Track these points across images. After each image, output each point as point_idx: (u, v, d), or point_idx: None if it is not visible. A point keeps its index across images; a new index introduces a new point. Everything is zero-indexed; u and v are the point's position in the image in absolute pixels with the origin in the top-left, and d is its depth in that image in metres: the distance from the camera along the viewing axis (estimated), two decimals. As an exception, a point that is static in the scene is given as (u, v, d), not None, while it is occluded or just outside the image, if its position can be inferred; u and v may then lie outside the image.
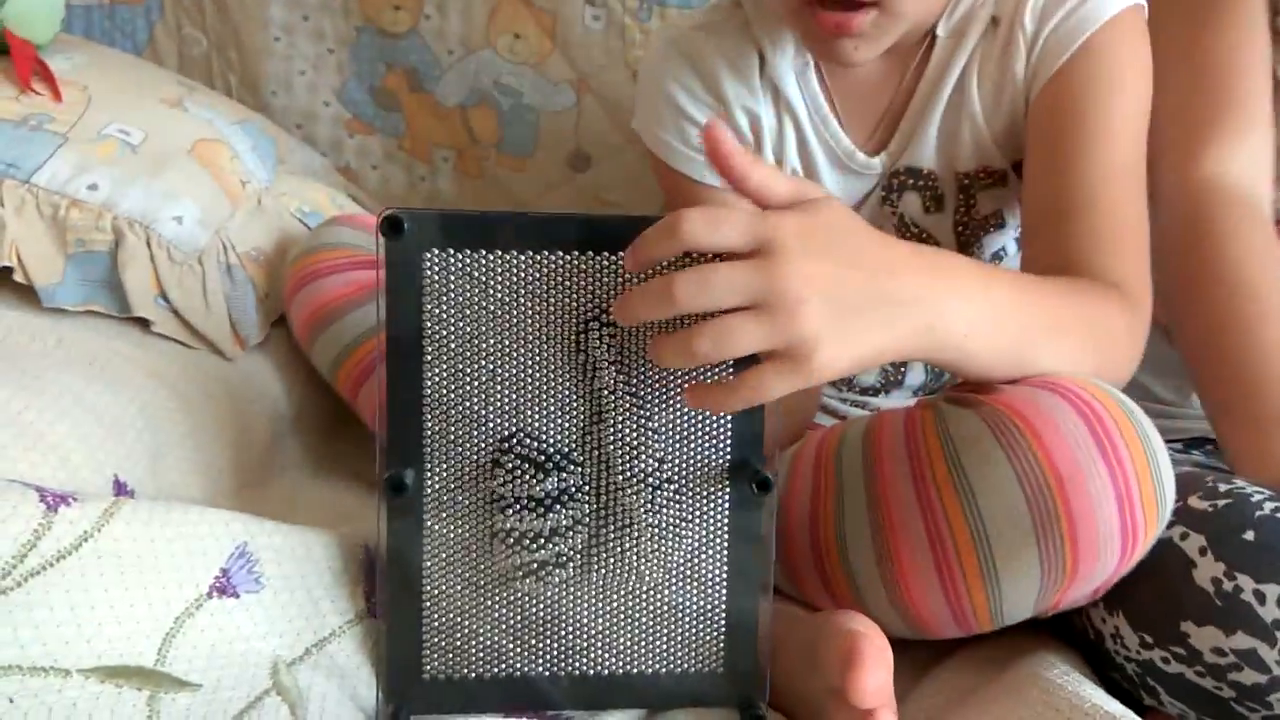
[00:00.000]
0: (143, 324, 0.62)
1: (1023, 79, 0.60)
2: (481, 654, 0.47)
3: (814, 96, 0.63)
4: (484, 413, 0.45)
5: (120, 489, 0.49)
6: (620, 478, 0.46)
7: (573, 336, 0.45)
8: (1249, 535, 0.47)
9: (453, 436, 0.45)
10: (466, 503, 0.46)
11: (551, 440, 0.45)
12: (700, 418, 0.46)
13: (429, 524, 0.46)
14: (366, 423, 0.63)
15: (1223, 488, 0.50)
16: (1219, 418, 0.59)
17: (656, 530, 0.46)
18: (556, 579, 0.47)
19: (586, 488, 0.46)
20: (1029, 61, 0.60)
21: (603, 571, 0.47)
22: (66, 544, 0.41)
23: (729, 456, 0.46)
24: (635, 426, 0.45)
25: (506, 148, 0.96)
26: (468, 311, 0.44)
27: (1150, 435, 0.46)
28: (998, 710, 0.49)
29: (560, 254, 0.43)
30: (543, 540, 0.46)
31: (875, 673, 0.44)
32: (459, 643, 0.47)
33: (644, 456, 0.46)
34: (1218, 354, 0.60)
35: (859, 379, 0.69)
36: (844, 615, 0.48)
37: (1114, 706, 0.46)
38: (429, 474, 0.45)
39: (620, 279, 0.44)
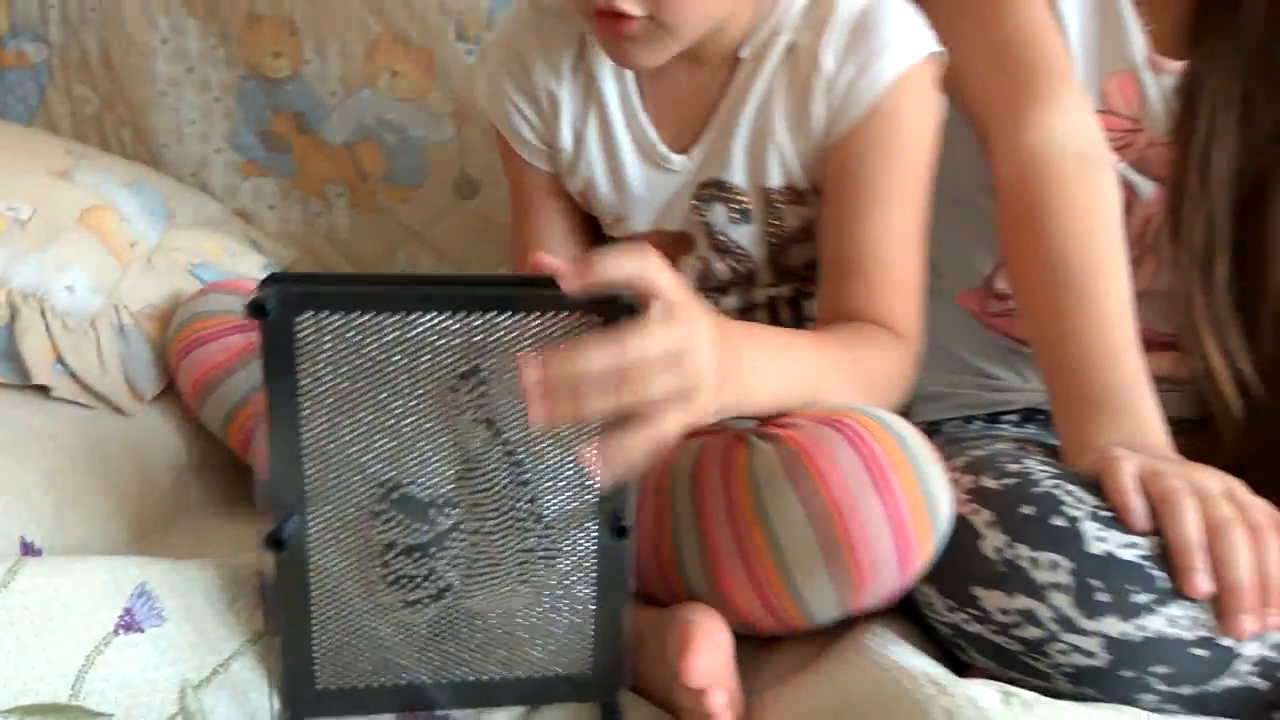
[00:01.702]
0: (43, 390, 0.67)
1: (822, 122, 0.66)
2: (369, 666, 0.53)
3: (628, 91, 0.70)
4: (362, 461, 0.50)
5: (27, 549, 0.54)
6: (493, 522, 0.51)
7: (444, 391, 0.49)
8: (1028, 510, 0.54)
9: (334, 484, 0.50)
10: (349, 542, 0.51)
11: (428, 488, 0.50)
12: (570, 465, 0.51)
13: (315, 560, 0.51)
14: (258, 472, 0.68)
15: (1011, 468, 0.57)
16: (1051, 401, 0.66)
17: (529, 563, 0.52)
18: (434, 609, 0.52)
19: (462, 529, 0.51)
20: (828, 107, 0.66)
21: (479, 598, 0.53)
22: (-25, 603, 0.47)
23: (596, 499, 0.52)
24: (508, 475, 0.51)
25: (395, 180, 1.01)
26: (343, 369, 0.48)
27: (921, 461, 0.52)
28: (827, 673, 0.56)
29: (427, 315, 0.47)
30: (420, 580, 0.52)
31: (704, 655, 0.51)
32: (347, 657, 0.53)
33: (517, 502, 0.51)
34: (1043, 338, 0.66)
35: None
36: (686, 608, 0.55)
37: (918, 661, 0.53)
38: (312, 519, 0.50)
39: (488, 336, 0.48)
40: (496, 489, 0.51)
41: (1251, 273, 0.72)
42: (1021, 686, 0.52)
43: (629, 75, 0.69)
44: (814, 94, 0.66)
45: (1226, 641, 0.52)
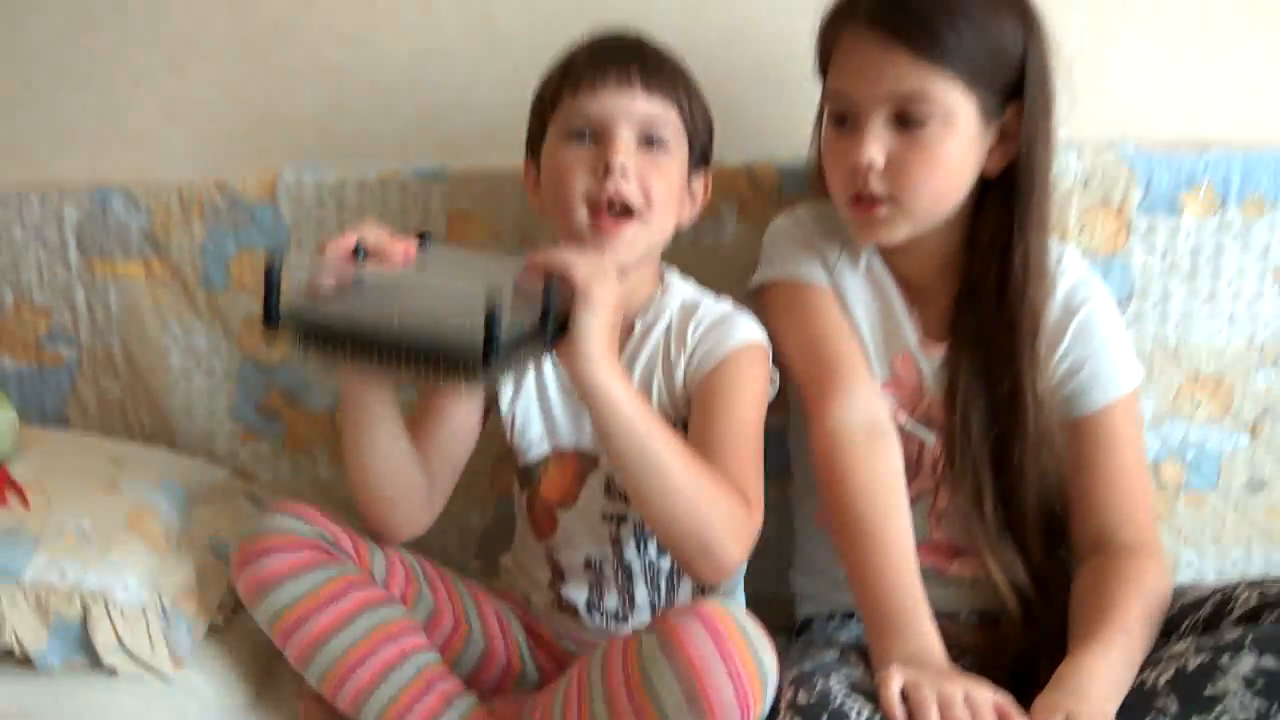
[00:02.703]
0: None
1: (684, 374, 0.96)
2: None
3: None
4: None
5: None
6: None
7: None
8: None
9: None
10: None
11: None
12: None
13: None
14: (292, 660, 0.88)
15: (819, 685, 0.79)
16: (862, 624, 0.89)
17: None
18: None
19: None
20: (687, 369, 0.95)
21: None
22: None
23: None
24: None
25: (368, 436, 1.24)
26: None
27: (759, 648, 0.76)
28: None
29: None
30: None
31: None
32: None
33: None
34: (850, 576, 0.89)
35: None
36: None
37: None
38: None
39: None
40: None
41: (1012, 503, 0.96)
42: None
43: None
44: (680, 359, 0.95)
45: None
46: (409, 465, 0.93)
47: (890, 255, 1.00)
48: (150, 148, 1.25)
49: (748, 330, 0.96)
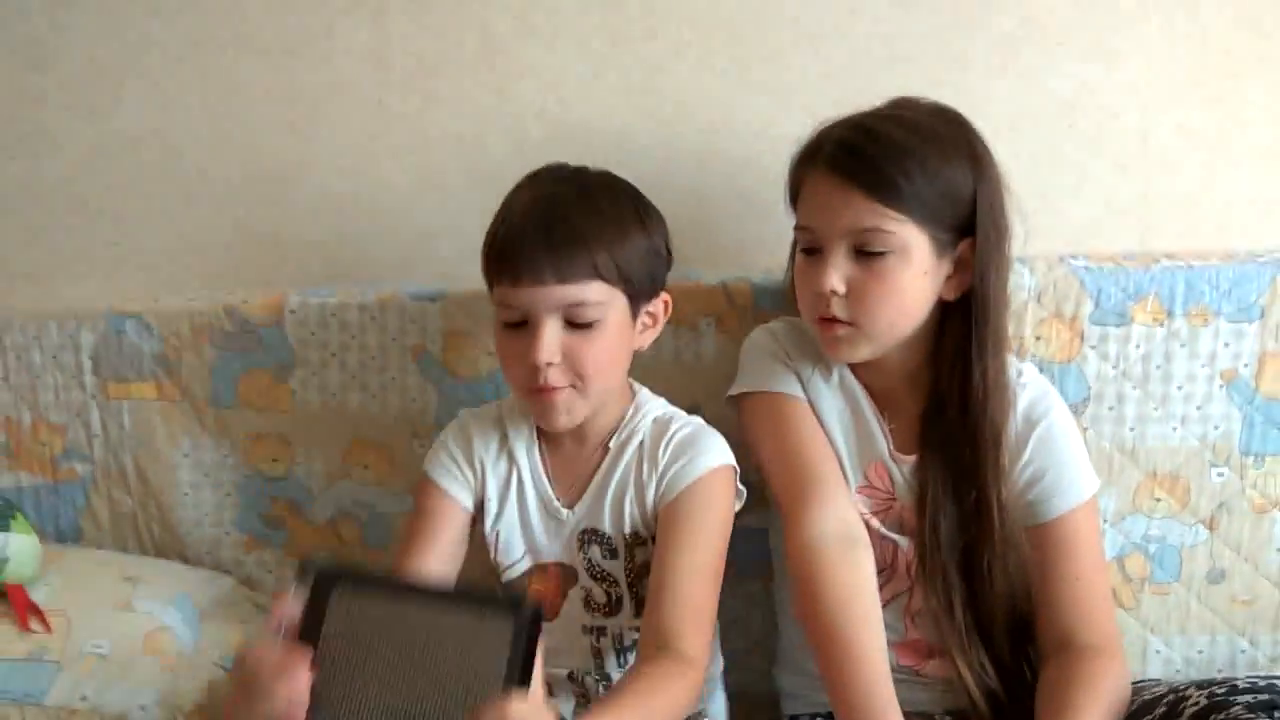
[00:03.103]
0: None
1: (654, 495, 1.00)
2: None
3: (535, 463, 1.04)
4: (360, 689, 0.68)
5: None
6: None
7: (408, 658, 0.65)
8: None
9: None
10: None
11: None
12: None
13: None
14: None
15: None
16: None
17: None
18: None
19: None
20: (658, 488, 1.00)
21: None
22: None
23: None
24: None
25: (369, 543, 1.28)
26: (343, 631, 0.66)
27: None
28: None
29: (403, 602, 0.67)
30: None
31: None
32: None
33: None
34: (826, 680, 0.95)
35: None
36: None
37: None
38: None
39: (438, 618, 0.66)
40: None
41: (981, 606, 1.01)
42: None
43: (536, 449, 1.04)
44: (651, 479, 1.00)
45: None
46: None
47: (861, 369, 1.06)
48: (162, 274, 1.32)
49: (715, 454, 1.01)
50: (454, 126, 1.29)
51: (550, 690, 1.05)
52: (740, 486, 1.04)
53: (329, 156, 1.30)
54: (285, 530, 1.29)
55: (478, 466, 1.04)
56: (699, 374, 1.22)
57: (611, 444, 1.03)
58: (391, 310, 1.24)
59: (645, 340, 1.03)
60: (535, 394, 0.96)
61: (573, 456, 1.04)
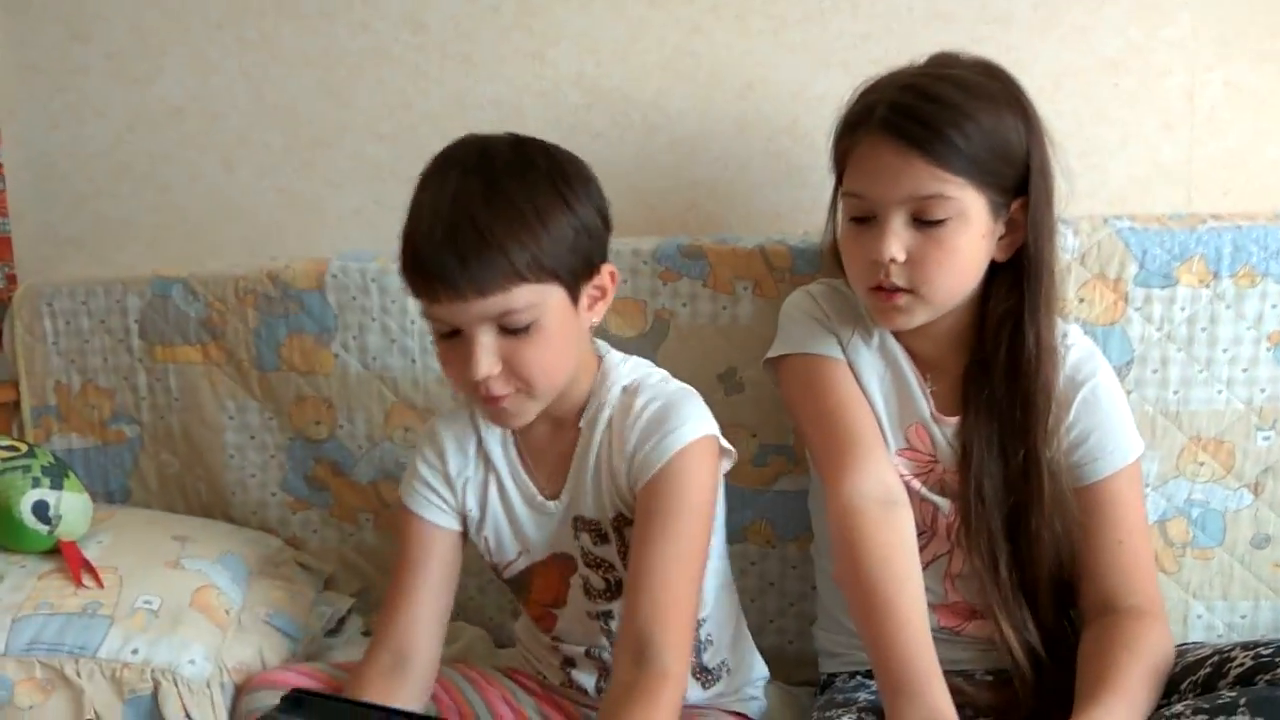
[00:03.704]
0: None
1: (627, 476, 0.93)
2: None
3: (511, 458, 0.99)
4: None
5: None
6: None
7: None
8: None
9: None
10: None
11: None
12: None
13: None
14: None
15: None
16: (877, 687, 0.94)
17: None
18: None
19: None
20: (629, 468, 0.93)
21: None
22: None
23: None
24: None
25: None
26: None
27: None
28: None
29: None
30: None
31: None
32: None
33: None
34: (865, 641, 0.94)
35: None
36: None
37: None
38: None
39: None
40: None
41: (1026, 568, 1.01)
42: None
43: (511, 445, 1.00)
44: (622, 461, 0.94)
45: None
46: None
47: (904, 333, 1.05)
48: (205, 240, 1.34)
49: (688, 427, 0.92)
50: (491, 91, 1.29)
51: (573, 663, 1.05)
52: (729, 447, 0.98)
53: (367, 121, 1.31)
54: (329, 491, 1.32)
55: (456, 483, 0.99)
56: (736, 338, 1.22)
57: (581, 424, 0.96)
58: (431, 274, 1.24)
59: (597, 315, 0.94)
60: (482, 402, 0.90)
61: (550, 440, 0.99)
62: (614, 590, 1.00)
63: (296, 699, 0.76)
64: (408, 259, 0.88)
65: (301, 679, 0.98)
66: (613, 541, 0.98)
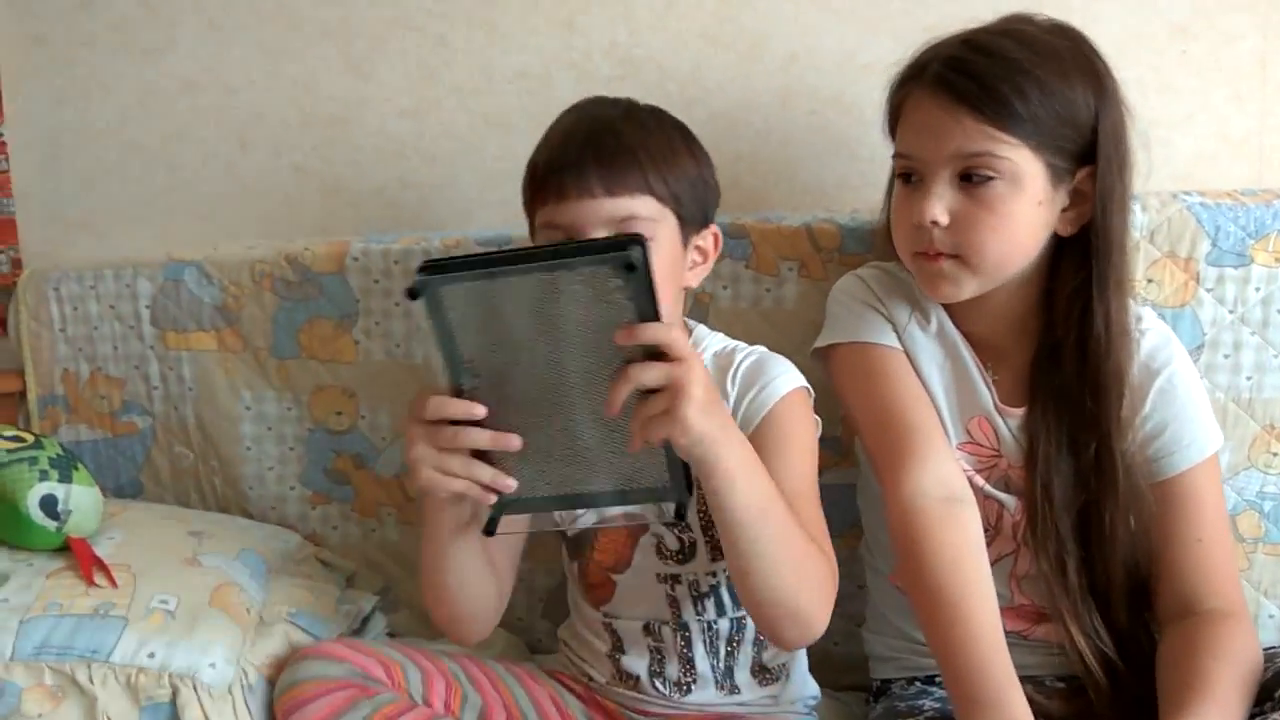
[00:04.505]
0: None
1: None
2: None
3: None
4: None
5: None
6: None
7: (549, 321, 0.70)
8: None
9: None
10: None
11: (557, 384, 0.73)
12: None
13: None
14: None
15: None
16: (948, 696, 0.88)
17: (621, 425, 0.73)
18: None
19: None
20: (737, 417, 0.91)
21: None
22: None
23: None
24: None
25: (434, 499, 1.25)
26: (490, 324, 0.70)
27: None
28: None
29: (516, 273, 0.67)
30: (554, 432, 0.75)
31: None
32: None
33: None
34: (934, 649, 0.88)
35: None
36: None
37: None
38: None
39: (564, 286, 0.68)
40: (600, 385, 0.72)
41: (1098, 570, 0.94)
42: None
43: None
44: (729, 408, 0.92)
45: None
46: (486, 581, 0.91)
47: (962, 315, 0.99)
48: (220, 221, 1.28)
49: (787, 379, 0.94)
50: (519, 63, 1.23)
51: (623, 648, 1.00)
52: (815, 416, 0.96)
53: (389, 96, 1.24)
54: (350, 485, 1.26)
55: None
56: (780, 322, 1.15)
57: None
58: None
59: (695, 278, 0.98)
60: None
61: None
62: (688, 552, 0.97)
63: (437, 264, 0.70)
64: (539, 163, 0.94)
65: (352, 652, 0.95)
66: (694, 500, 0.94)
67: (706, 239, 0.97)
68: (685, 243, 0.94)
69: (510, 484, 0.76)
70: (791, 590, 0.82)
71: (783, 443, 0.90)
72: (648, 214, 0.89)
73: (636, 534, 0.98)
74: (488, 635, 0.97)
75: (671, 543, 0.97)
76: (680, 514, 0.76)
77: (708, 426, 0.72)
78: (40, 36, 1.26)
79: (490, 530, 0.80)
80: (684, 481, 0.76)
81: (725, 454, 0.75)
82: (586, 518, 1.00)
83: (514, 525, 0.81)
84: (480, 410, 0.75)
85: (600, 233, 0.88)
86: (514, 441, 0.75)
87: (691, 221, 0.94)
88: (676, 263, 0.93)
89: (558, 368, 0.73)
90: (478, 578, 0.90)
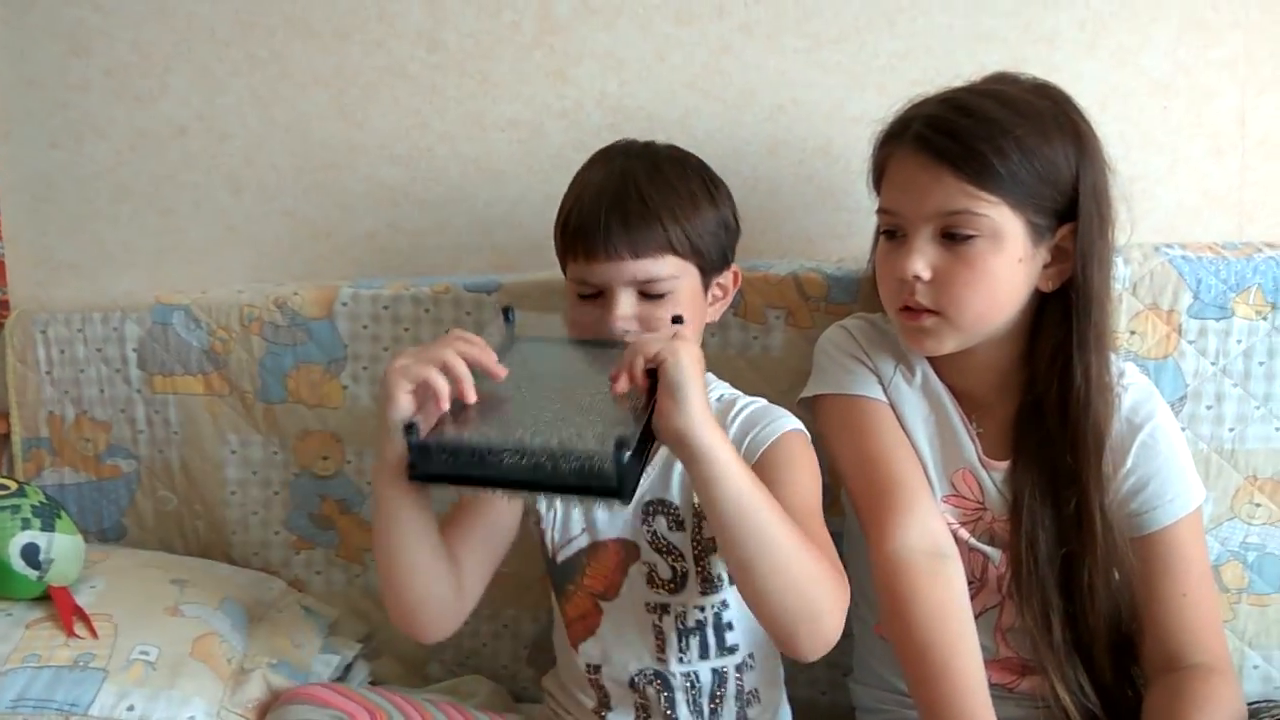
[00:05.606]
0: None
1: None
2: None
3: None
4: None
5: None
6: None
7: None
8: None
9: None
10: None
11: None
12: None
13: None
14: None
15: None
16: None
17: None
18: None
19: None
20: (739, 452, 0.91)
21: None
22: None
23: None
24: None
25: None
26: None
27: None
28: None
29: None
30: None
31: None
32: None
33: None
34: (919, 704, 0.88)
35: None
36: None
37: None
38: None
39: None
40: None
41: (1081, 623, 0.95)
42: None
43: None
44: None
45: None
46: (439, 566, 0.89)
47: (946, 369, 1.00)
48: (209, 265, 1.28)
49: (789, 421, 0.95)
50: (510, 111, 1.24)
51: (609, 703, 1.00)
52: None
53: (381, 143, 1.25)
54: (335, 530, 1.25)
55: None
56: (766, 370, 1.16)
57: None
58: (446, 302, 1.19)
59: (715, 313, 1.03)
60: None
61: None
62: (679, 582, 0.97)
63: (423, 446, 0.78)
64: (570, 223, 0.97)
65: (337, 697, 0.94)
66: (689, 529, 0.96)
67: (727, 277, 1.02)
68: (706, 287, 1.00)
69: (471, 396, 0.80)
70: (797, 584, 0.81)
71: (784, 469, 0.91)
72: (670, 273, 0.95)
73: (628, 561, 0.98)
74: (447, 635, 0.93)
75: (664, 571, 0.97)
76: (618, 485, 0.75)
77: (693, 389, 0.78)
78: (33, 80, 1.26)
79: (414, 473, 0.80)
80: (640, 440, 0.77)
81: (708, 437, 0.78)
82: (580, 540, 0.99)
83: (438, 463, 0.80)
84: (502, 372, 0.82)
85: (627, 293, 0.94)
86: (499, 372, 0.82)
87: (713, 267, 0.99)
88: (698, 305, 0.98)
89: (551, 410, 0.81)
90: (430, 560, 0.88)
